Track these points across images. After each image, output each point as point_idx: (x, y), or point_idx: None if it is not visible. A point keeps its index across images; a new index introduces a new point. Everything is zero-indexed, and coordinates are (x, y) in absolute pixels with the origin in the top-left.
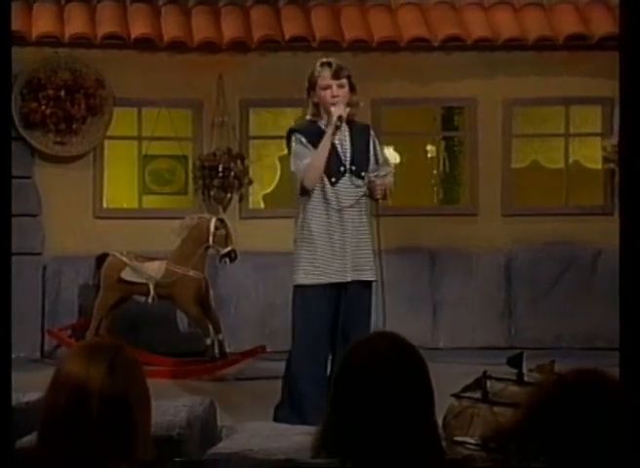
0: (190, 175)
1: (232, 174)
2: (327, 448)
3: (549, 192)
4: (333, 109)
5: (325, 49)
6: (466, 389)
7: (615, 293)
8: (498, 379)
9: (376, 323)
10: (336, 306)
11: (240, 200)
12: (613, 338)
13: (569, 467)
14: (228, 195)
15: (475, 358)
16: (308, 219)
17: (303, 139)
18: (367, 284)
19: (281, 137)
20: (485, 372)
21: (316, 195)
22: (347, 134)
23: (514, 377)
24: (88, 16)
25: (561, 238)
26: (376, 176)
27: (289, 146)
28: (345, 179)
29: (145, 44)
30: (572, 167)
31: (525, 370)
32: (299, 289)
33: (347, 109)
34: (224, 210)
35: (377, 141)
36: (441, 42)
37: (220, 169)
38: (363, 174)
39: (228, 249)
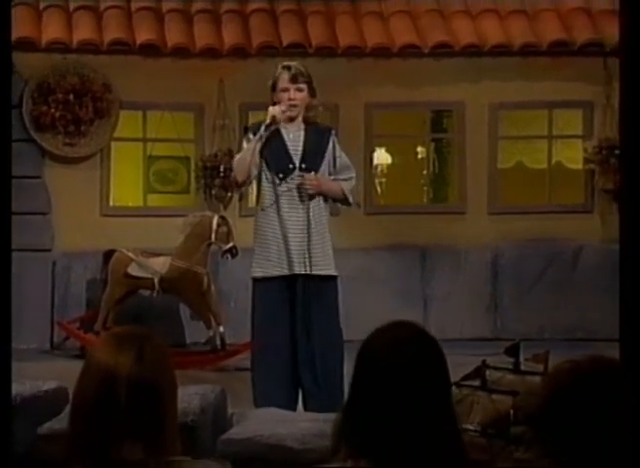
0: (193, 175)
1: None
2: (347, 437)
3: (533, 191)
4: (270, 109)
5: (320, 55)
6: (466, 378)
7: (595, 287)
8: (496, 368)
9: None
10: (292, 299)
11: (240, 199)
12: (592, 330)
13: (585, 453)
14: (229, 194)
15: (463, 349)
16: (260, 215)
17: (251, 136)
18: (325, 278)
19: None
20: (484, 362)
21: (267, 192)
22: (302, 134)
23: (511, 366)
24: (95, 23)
25: (544, 235)
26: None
27: (242, 141)
28: (295, 177)
29: (150, 50)
30: (554, 167)
31: (521, 360)
32: (254, 281)
33: (291, 114)
34: (225, 208)
35: (337, 146)
36: (431, 48)
37: (221, 169)
38: (313, 172)
39: (230, 245)
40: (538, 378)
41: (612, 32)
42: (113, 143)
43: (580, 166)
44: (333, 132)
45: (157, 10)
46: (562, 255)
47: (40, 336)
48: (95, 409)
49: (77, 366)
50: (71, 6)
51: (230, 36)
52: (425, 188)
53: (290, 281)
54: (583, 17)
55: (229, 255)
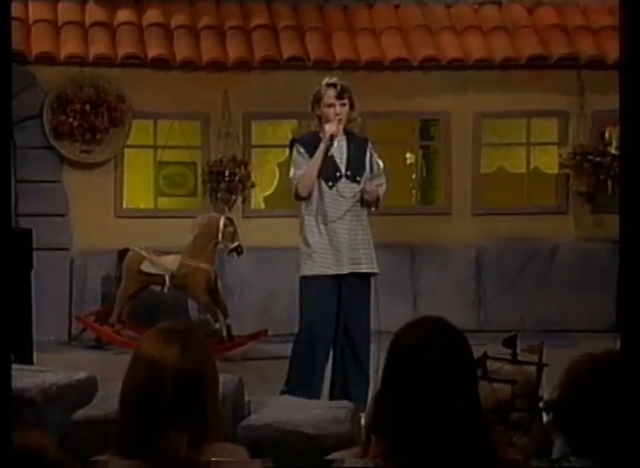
0: (199, 180)
1: (237, 178)
2: (377, 426)
3: (513, 194)
4: (327, 127)
5: (318, 68)
6: None
7: (569, 283)
8: (495, 359)
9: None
10: (337, 297)
11: (243, 201)
12: (567, 321)
13: (601, 439)
14: (233, 197)
15: None
16: (307, 220)
17: (302, 150)
18: (364, 276)
19: (279, 146)
20: (485, 353)
21: (314, 197)
22: (345, 143)
23: (509, 357)
24: (109, 38)
25: (523, 234)
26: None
27: (291, 154)
28: (342, 184)
29: (160, 63)
30: (532, 172)
31: (518, 351)
32: (302, 279)
33: (340, 127)
34: (229, 210)
35: (374, 154)
36: (419, 62)
37: (226, 174)
38: (358, 178)
39: (235, 244)
40: (533, 368)
41: (585, 47)
42: (126, 150)
43: (555, 170)
44: (369, 141)
45: (166, 26)
46: (540, 253)
47: (59, 329)
48: (143, 399)
49: (93, 356)
50: (87, 22)
51: (234, 50)
52: (414, 191)
53: (335, 277)
54: (559, 33)
55: (235, 253)
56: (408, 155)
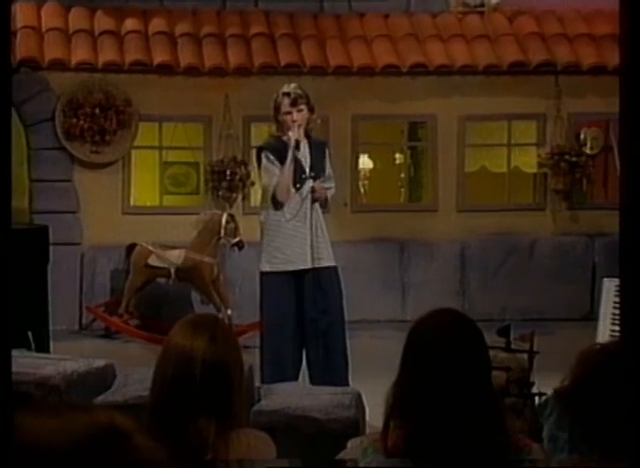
0: (202, 179)
1: (237, 177)
2: (398, 411)
3: (495, 192)
4: (290, 134)
5: (313, 74)
6: None
7: (547, 275)
8: (491, 347)
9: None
10: (297, 292)
11: (243, 199)
12: (545, 310)
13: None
14: (234, 195)
15: None
16: (272, 219)
17: (271, 156)
18: (330, 269)
19: None
20: None
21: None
22: (307, 147)
23: (503, 345)
24: (117, 46)
25: (504, 229)
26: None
27: (259, 162)
28: (307, 185)
29: (165, 69)
30: (513, 171)
31: (511, 340)
32: (262, 275)
33: (301, 131)
34: (230, 207)
35: (329, 157)
36: (408, 68)
37: (227, 173)
38: (319, 179)
39: (237, 239)
40: (525, 355)
41: (562, 54)
42: (133, 151)
43: (534, 170)
44: (327, 144)
45: (171, 34)
46: (519, 247)
47: (70, 319)
48: (173, 387)
49: (102, 344)
50: (96, 31)
51: (235, 57)
52: (402, 189)
53: (297, 272)
54: (538, 40)
55: (237, 248)
56: (397, 155)
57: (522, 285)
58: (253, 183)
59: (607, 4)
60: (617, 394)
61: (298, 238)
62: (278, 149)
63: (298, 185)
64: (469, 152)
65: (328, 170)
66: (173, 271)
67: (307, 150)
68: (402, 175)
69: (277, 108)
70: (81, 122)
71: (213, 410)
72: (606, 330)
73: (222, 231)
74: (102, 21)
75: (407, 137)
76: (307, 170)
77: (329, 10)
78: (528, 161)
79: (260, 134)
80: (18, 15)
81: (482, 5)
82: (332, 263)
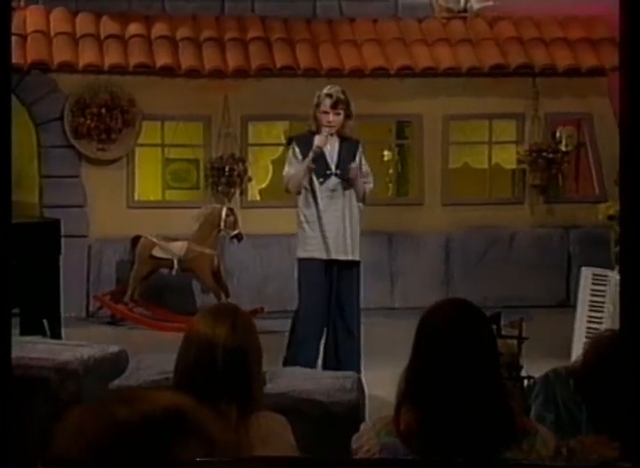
0: (202, 175)
1: (235, 173)
2: (410, 396)
3: (477, 187)
4: (316, 139)
5: (307, 76)
6: None
7: (526, 265)
8: None
9: None
10: (329, 279)
11: (241, 194)
12: (524, 298)
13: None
14: (232, 190)
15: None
16: (301, 211)
17: (297, 149)
18: (351, 262)
19: (273, 145)
20: None
21: (309, 191)
22: (337, 145)
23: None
24: (122, 49)
25: (486, 222)
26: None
27: (288, 150)
28: (332, 181)
29: (167, 71)
30: (493, 167)
31: (501, 326)
32: (299, 261)
33: (326, 137)
34: (229, 201)
35: (362, 156)
36: (396, 70)
37: (226, 169)
38: (347, 177)
39: (236, 232)
40: (514, 341)
41: (539, 57)
42: (137, 148)
43: (513, 166)
44: (360, 144)
45: (172, 38)
46: (500, 239)
47: (78, 307)
48: (196, 372)
49: (108, 331)
50: (102, 35)
51: (233, 60)
52: (390, 184)
53: (326, 261)
54: (516, 44)
55: (236, 240)
56: (385, 152)
57: (502, 274)
58: (250, 179)
59: (581, 10)
60: (624, 378)
61: (326, 230)
62: (306, 144)
63: (321, 180)
64: (453, 149)
65: (365, 167)
66: (175, 262)
67: (337, 149)
68: (390, 171)
69: (317, 105)
70: (88, 121)
71: (234, 395)
72: (584, 315)
73: (222, 224)
74: (108, 26)
75: (394, 136)
76: (333, 167)
77: (321, 15)
78: (507, 158)
79: (257, 132)
80: (28, 20)
81: (465, 11)
82: (356, 257)
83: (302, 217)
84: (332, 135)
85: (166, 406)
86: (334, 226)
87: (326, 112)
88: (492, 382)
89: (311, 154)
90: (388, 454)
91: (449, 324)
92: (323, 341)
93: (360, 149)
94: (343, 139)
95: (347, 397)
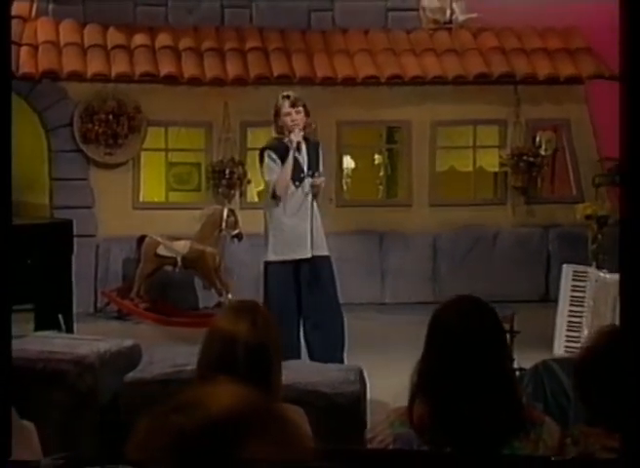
0: (203, 177)
1: (235, 176)
2: (423, 388)
3: (462, 189)
4: (292, 136)
5: (302, 83)
6: None
7: (509, 262)
8: None
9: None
10: (296, 279)
11: (240, 195)
12: (506, 293)
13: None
14: (232, 192)
15: (410, 310)
16: (270, 215)
17: (273, 155)
18: (324, 257)
19: None
20: None
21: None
22: (305, 148)
23: None
24: (128, 59)
25: (471, 222)
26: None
27: (261, 160)
28: (305, 183)
29: (170, 79)
30: (477, 170)
31: None
32: (268, 265)
33: (302, 133)
34: (229, 202)
35: (321, 155)
36: (386, 79)
37: (226, 172)
38: (315, 177)
39: (236, 231)
40: (507, 335)
41: (520, 66)
42: (142, 153)
43: (496, 169)
44: (320, 145)
45: (175, 48)
46: (484, 238)
47: (86, 302)
48: (218, 367)
49: (115, 325)
50: (109, 45)
51: (233, 69)
52: (381, 187)
53: (296, 261)
54: (499, 54)
55: (236, 239)
56: (376, 156)
57: (486, 271)
58: (249, 181)
59: (559, 21)
60: (622, 371)
61: (299, 231)
62: (279, 149)
63: (297, 183)
64: (440, 153)
65: (321, 167)
66: (179, 260)
67: (305, 151)
68: (381, 174)
69: (277, 111)
70: (96, 127)
71: (255, 387)
72: (565, 309)
73: (224, 224)
74: (114, 37)
75: (385, 140)
76: (305, 169)
77: (315, 26)
78: (491, 161)
79: (255, 137)
80: (39, 31)
81: (450, 22)
82: (326, 253)
83: (273, 222)
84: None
85: (224, 409)
86: (306, 226)
87: (288, 113)
88: (501, 375)
89: (291, 153)
90: (402, 445)
91: (461, 320)
92: (302, 336)
93: (321, 150)
94: (307, 141)
95: (351, 388)
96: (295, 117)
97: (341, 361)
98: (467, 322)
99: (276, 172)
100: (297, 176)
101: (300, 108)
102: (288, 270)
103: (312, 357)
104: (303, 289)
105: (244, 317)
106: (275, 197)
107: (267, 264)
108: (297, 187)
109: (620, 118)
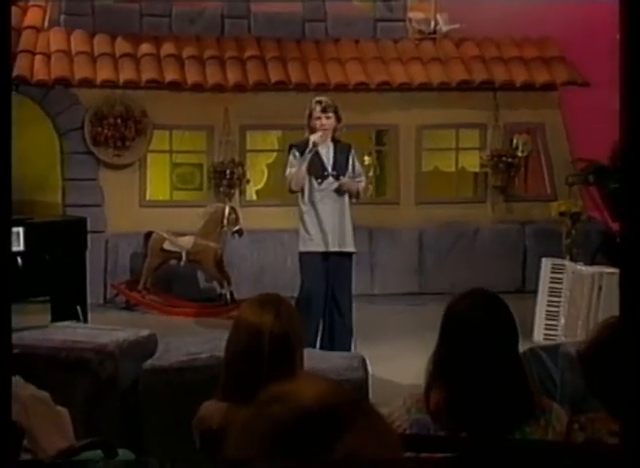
0: (205, 177)
1: (235, 176)
2: (438, 376)
3: (446, 188)
4: (312, 137)
5: (298, 90)
6: None
7: (489, 255)
8: None
9: None
10: (326, 269)
11: (240, 194)
12: (486, 285)
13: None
14: (232, 191)
15: (400, 300)
16: (300, 210)
17: (296, 153)
18: (347, 253)
19: (268, 151)
20: None
21: (307, 191)
22: (331, 148)
23: None
24: (135, 66)
25: (454, 219)
26: (348, 179)
27: (289, 156)
28: (328, 181)
29: (175, 86)
30: (460, 170)
31: None
32: (300, 254)
33: (325, 136)
34: (229, 201)
35: (355, 157)
36: (375, 85)
37: (227, 172)
38: (341, 177)
39: (237, 227)
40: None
41: (499, 74)
42: (148, 154)
43: (477, 169)
44: (352, 147)
45: (179, 57)
46: (466, 233)
47: (96, 294)
48: (245, 356)
49: (124, 315)
50: (117, 54)
51: (233, 76)
52: (370, 186)
53: (324, 253)
54: (479, 63)
55: (237, 235)
56: (366, 158)
57: (468, 264)
58: (248, 181)
59: (535, 31)
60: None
61: (324, 226)
62: (304, 148)
63: (319, 180)
64: (425, 155)
65: (357, 167)
66: (184, 254)
67: (332, 152)
68: (370, 174)
69: (310, 114)
70: (105, 130)
71: (279, 377)
72: (544, 300)
73: (225, 221)
74: (122, 46)
75: (374, 142)
76: (329, 168)
77: (309, 36)
78: (472, 162)
79: (254, 140)
80: (51, 40)
81: (434, 33)
82: (351, 249)
83: (303, 216)
84: (326, 138)
85: (320, 400)
86: (330, 222)
87: (318, 117)
88: (512, 364)
89: (307, 151)
90: (419, 430)
91: (474, 312)
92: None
93: (352, 152)
94: (337, 143)
95: (355, 375)
96: (324, 122)
97: (350, 348)
98: (480, 313)
99: (295, 167)
100: (319, 174)
101: (331, 114)
102: (317, 261)
103: (322, 345)
104: (330, 279)
105: (268, 309)
106: (291, 191)
107: (300, 255)
108: (319, 184)
109: (620, 118)
